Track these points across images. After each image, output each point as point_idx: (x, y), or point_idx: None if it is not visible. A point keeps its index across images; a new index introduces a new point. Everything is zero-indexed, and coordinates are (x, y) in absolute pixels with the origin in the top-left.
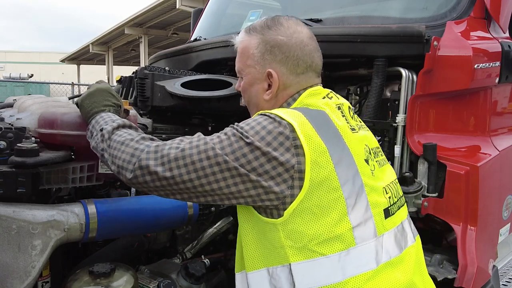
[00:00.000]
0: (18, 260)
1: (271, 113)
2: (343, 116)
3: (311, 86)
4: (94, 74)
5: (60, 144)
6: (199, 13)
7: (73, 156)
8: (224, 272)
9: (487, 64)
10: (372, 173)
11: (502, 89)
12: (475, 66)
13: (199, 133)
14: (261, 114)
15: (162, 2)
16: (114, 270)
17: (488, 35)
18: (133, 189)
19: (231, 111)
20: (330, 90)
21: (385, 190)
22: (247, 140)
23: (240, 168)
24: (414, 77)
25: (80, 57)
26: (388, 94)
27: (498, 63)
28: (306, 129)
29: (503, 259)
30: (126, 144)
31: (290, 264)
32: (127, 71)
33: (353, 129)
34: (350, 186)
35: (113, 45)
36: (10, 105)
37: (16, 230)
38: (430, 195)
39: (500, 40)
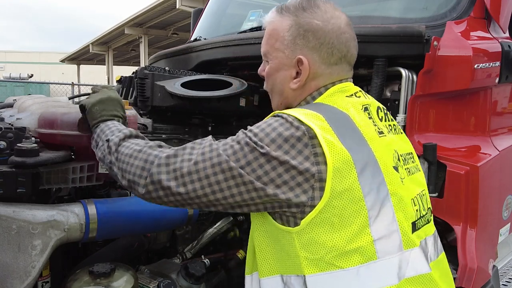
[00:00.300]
0: (18, 260)
1: (289, 116)
2: (370, 118)
3: (340, 81)
4: (94, 74)
5: (60, 144)
6: (199, 13)
7: (73, 156)
8: (224, 272)
9: (487, 64)
10: (402, 181)
11: (502, 89)
12: (475, 66)
13: (210, 141)
14: (276, 116)
15: (162, 2)
16: (114, 270)
17: (488, 35)
18: None
19: (231, 111)
20: (360, 89)
21: (413, 201)
22: (262, 150)
23: (256, 182)
24: (414, 77)
25: (80, 57)
26: (388, 94)
27: (498, 63)
28: (327, 135)
29: (503, 259)
30: (135, 157)
31: (304, 276)
32: (127, 71)
33: (380, 133)
34: (373, 196)
35: (113, 45)
36: (10, 105)
37: (16, 230)
38: (430, 195)
39: (500, 40)
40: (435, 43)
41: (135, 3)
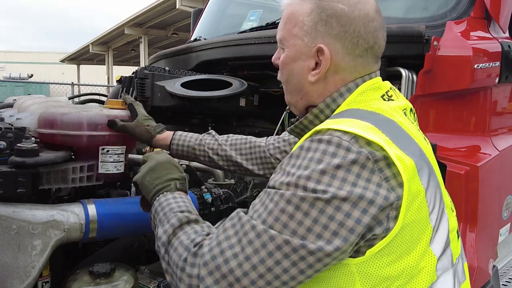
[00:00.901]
0: (18, 260)
1: (341, 133)
2: (413, 123)
3: (369, 75)
4: (94, 74)
5: (60, 144)
6: (199, 13)
7: (73, 156)
8: None
9: (487, 64)
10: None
11: (502, 89)
12: (475, 66)
13: (248, 221)
14: (322, 140)
15: (162, 2)
16: (114, 270)
17: (488, 35)
18: (133, 189)
19: (231, 111)
20: (390, 85)
21: (451, 207)
22: (326, 196)
23: (328, 246)
24: (414, 77)
25: (80, 57)
26: None
27: (498, 63)
28: (396, 150)
29: (503, 259)
30: (181, 268)
31: None
32: (127, 71)
33: (424, 139)
34: (436, 211)
35: (113, 45)
36: (10, 105)
37: (16, 230)
38: None
39: (500, 40)
40: (435, 43)
41: (135, 3)
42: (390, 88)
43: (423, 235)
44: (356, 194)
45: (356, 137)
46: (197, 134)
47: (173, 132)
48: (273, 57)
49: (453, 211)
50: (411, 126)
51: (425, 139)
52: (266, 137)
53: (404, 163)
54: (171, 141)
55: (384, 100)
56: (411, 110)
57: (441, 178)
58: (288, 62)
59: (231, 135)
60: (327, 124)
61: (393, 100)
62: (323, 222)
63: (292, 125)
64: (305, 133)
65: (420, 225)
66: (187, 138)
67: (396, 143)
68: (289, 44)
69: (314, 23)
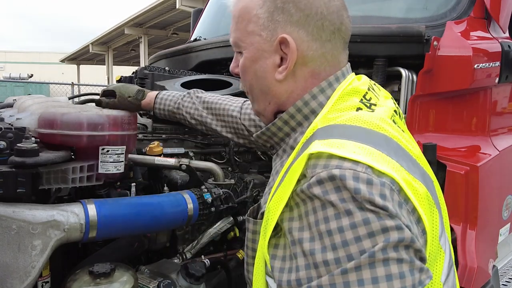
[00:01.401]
0: (18, 260)
1: (352, 163)
2: (403, 131)
3: (341, 71)
4: (94, 74)
5: (60, 144)
6: (199, 13)
7: (73, 156)
8: (224, 272)
9: (487, 64)
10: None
11: (502, 89)
12: (475, 66)
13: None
14: (336, 182)
15: (162, 2)
16: (114, 270)
17: (488, 35)
18: (133, 189)
19: None
20: (368, 81)
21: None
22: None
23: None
24: (414, 77)
25: (80, 57)
26: None
27: (498, 63)
28: (406, 179)
29: (503, 259)
30: None
31: None
32: (127, 71)
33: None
34: (443, 234)
35: (113, 45)
36: (10, 105)
37: (16, 230)
38: None
39: (500, 40)
40: (435, 43)
41: (135, 3)
42: (369, 89)
43: (436, 264)
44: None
45: (372, 169)
46: (179, 93)
47: (156, 93)
48: (230, 66)
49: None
50: (403, 137)
51: (413, 141)
52: (243, 101)
53: (417, 192)
54: (153, 105)
55: (366, 106)
56: (395, 111)
57: (436, 180)
58: (249, 65)
59: (209, 94)
60: (323, 147)
61: (374, 104)
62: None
63: (259, 132)
64: (273, 141)
65: (435, 254)
66: (167, 102)
67: (408, 169)
68: (246, 45)
69: (270, 13)
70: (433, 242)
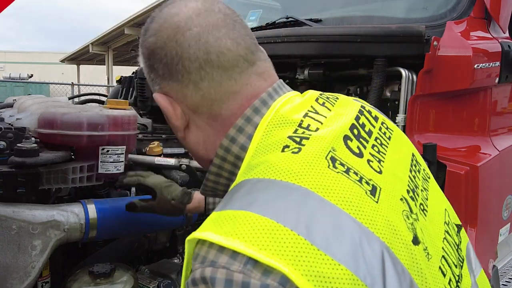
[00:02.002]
0: (18, 260)
1: (228, 258)
2: (346, 170)
3: (259, 100)
4: (94, 74)
5: (60, 144)
6: None
7: (73, 156)
8: None
9: (487, 64)
10: (427, 254)
11: (502, 89)
12: (475, 66)
13: None
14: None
15: (162, 2)
16: (114, 270)
17: (488, 35)
18: (133, 189)
19: None
20: (316, 96)
21: (442, 268)
22: None
23: None
24: (414, 77)
25: (80, 57)
26: (388, 94)
27: (498, 63)
28: (310, 269)
29: (503, 259)
30: None
31: None
32: (127, 71)
33: (378, 172)
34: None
35: (113, 45)
36: (10, 105)
37: (16, 230)
38: None
39: (500, 40)
40: (435, 43)
41: (135, 3)
42: (307, 114)
43: None
44: None
45: (254, 264)
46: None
47: (203, 198)
48: None
49: (446, 272)
50: (338, 186)
51: (378, 171)
52: None
53: (333, 283)
54: (205, 206)
55: (295, 142)
56: (358, 118)
57: (416, 250)
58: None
59: None
60: (210, 226)
61: (307, 138)
62: None
63: (201, 189)
64: (221, 191)
65: None
66: (216, 200)
67: (323, 243)
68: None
69: (148, 73)
70: None
